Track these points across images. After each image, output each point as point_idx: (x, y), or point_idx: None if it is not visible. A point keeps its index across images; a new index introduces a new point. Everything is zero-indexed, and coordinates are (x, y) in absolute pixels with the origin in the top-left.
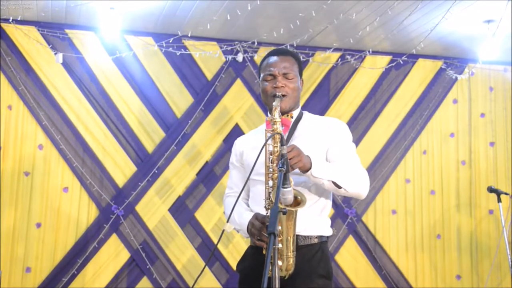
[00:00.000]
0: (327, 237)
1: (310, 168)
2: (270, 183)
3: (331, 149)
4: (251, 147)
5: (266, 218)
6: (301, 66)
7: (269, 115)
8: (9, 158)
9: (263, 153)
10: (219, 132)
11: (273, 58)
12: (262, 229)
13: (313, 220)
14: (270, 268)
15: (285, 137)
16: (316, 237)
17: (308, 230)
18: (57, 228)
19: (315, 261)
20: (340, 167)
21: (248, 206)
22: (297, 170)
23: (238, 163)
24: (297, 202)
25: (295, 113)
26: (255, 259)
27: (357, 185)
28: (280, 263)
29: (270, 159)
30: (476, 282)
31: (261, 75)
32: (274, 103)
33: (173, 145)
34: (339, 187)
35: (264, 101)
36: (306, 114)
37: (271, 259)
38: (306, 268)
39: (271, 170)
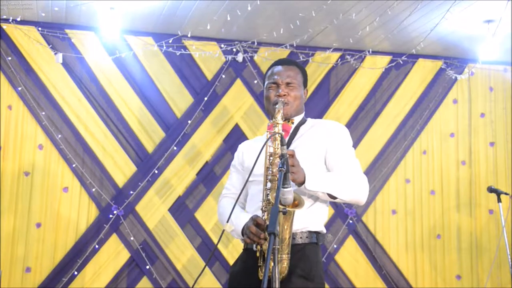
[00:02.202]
0: (317, 236)
1: (304, 181)
2: (269, 184)
3: (329, 154)
4: (252, 150)
5: (263, 221)
6: (306, 76)
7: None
8: (9, 158)
9: (263, 155)
10: (219, 132)
11: (278, 68)
12: (257, 233)
13: (300, 214)
14: (264, 269)
15: (285, 140)
16: (300, 236)
17: (295, 224)
18: (57, 228)
19: (294, 261)
20: (336, 177)
21: (244, 209)
22: None
23: (239, 166)
24: (295, 203)
25: (297, 119)
26: (246, 263)
27: (353, 193)
28: (272, 264)
29: (270, 160)
30: (476, 282)
31: (266, 83)
32: (277, 106)
33: (173, 145)
34: (335, 197)
35: (267, 108)
36: (309, 119)
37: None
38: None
39: (270, 171)
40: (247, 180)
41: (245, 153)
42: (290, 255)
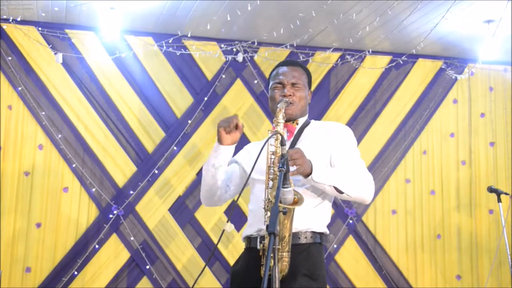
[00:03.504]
0: (320, 236)
1: (311, 173)
2: (270, 183)
3: (335, 154)
4: (258, 150)
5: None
6: (310, 78)
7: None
8: (9, 158)
9: (265, 153)
10: None
11: (283, 68)
12: (228, 119)
13: (304, 214)
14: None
15: (286, 140)
16: (305, 236)
17: (299, 224)
18: (57, 228)
19: (298, 261)
20: (342, 172)
21: (229, 188)
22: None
23: (240, 159)
24: (294, 201)
25: (301, 121)
26: (247, 262)
27: (359, 190)
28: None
29: (272, 159)
30: (476, 282)
31: (270, 83)
32: (278, 105)
33: (173, 145)
34: (341, 192)
35: (272, 109)
36: (313, 121)
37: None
38: (290, 267)
39: (271, 170)
40: (248, 178)
41: (251, 151)
42: (295, 254)
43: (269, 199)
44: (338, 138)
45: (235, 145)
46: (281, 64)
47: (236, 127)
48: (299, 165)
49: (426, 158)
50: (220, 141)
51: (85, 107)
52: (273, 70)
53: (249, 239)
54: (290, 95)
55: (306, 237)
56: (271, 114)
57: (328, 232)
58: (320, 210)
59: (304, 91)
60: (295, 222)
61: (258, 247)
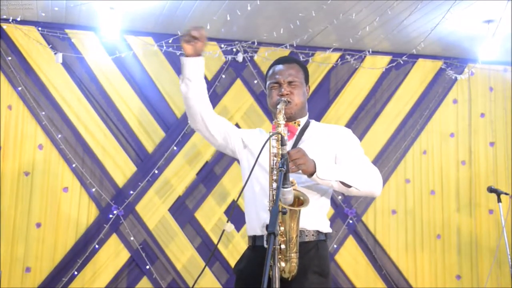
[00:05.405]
0: (325, 234)
1: (315, 171)
2: (274, 185)
3: (340, 155)
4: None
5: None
6: (307, 73)
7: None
8: (9, 158)
9: (265, 152)
10: None
11: (279, 67)
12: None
13: (311, 215)
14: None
15: (286, 140)
16: (312, 233)
17: (305, 224)
18: (57, 228)
19: (308, 259)
20: (347, 167)
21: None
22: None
23: (244, 136)
24: (300, 202)
25: (303, 121)
26: (252, 261)
27: (367, 182)
28: (283, 264)
29: (274, 161)
30: (476, 282)
31: (267, 83)
32: (278, 106)
33: (173, 145)
34: (349, 186)
35: (270, 108)
36: (313, 122)
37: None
38: (300, 265)
39: (274, 172)
40: (250, 174)
41: (255, 138)
42: (303, 252)
43: (273, 200)
44: (342, 138)
45: (201, 57)
46: (277, 62)
47: (195, 37)
48: (301, 164)
49: (426, 158)
50: (184, 54)
51: (85, 107)
52: (269, 69)
53: (254, 238)
54: (287, 93)
55: (313, 235)
56: (271, 114)
57: (331, 230)
58: (324, 210)
59: (302, 88)
60: (301, 222)
61: (266, 245)
